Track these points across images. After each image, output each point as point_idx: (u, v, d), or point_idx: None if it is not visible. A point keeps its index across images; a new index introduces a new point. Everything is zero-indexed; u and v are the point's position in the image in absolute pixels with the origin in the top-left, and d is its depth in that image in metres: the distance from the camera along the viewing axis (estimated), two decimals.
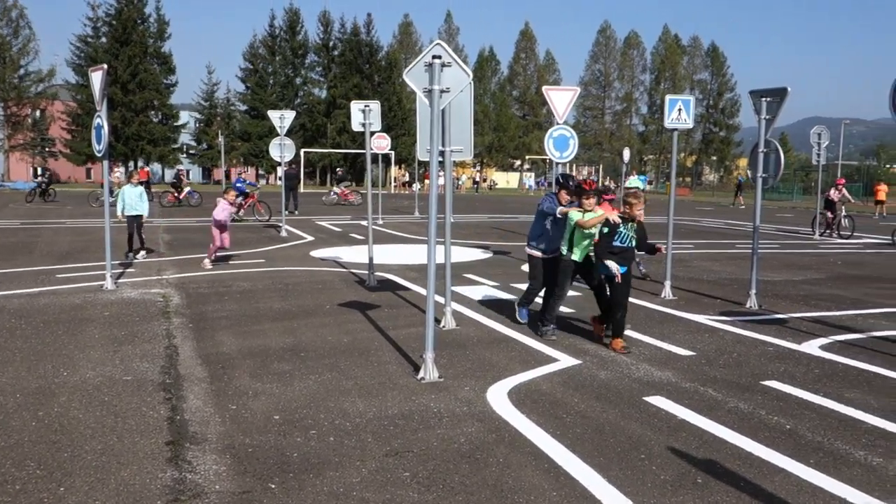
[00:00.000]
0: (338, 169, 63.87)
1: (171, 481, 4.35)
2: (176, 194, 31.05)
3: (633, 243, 7.77)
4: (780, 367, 7.15)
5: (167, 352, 7.37)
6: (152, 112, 65.94)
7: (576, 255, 8.16)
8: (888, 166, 69.71)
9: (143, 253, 14.57)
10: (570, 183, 8.32)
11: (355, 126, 11.58)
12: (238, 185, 23.51)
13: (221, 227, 13.70)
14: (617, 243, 7.64)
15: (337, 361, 7.08)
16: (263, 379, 6.47)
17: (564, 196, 8.30)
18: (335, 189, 35.90)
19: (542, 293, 8.75)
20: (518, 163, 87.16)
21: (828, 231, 23.01)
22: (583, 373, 6.87)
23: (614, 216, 7.66)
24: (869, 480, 4.53)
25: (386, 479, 4.42)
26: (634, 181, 13.86)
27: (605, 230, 7.70)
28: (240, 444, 4.96)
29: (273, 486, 4.31)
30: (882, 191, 37.29)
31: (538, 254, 8.58)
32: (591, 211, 7.95)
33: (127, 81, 62.27)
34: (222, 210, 13.79)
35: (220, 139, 23.59)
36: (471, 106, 8.59)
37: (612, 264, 7.53)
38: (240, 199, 21.63)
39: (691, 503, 4.18)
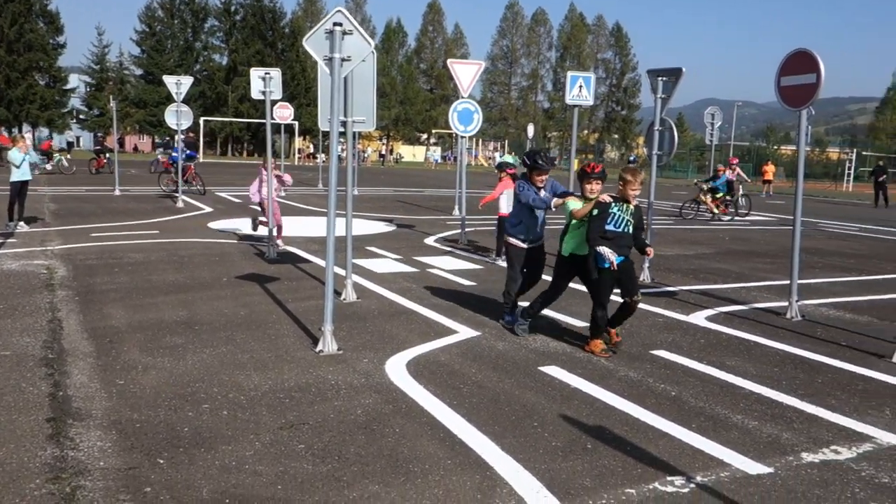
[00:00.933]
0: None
1: (52, 459, 4.17)
2: (103, 160, 30.64)
3: (630, 228, 6.66)
4: (669, 338, 7.44)
5: (50, 326, 7.04)
6: (38, 74, 62.29)
7: (564, 249, 7.04)
8: (776, 147, 73.17)
9: (22, 223, 13.84)
10: (541, 161, 7.21)
11: (255, 94, 11.27)
12: (175, 155, 22.16)
13: (261, 205, 12.81)
14: (610, 227, 6.56)
15: (233, 335, 6.93)
16: (154, 353, 6.27)
17: (538, 178, 7.25)
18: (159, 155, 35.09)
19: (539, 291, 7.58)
20: (425, 136, 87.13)
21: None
22: (481, 344, 6.96)
23: (604, 196, 6.63)
24: (744, 442, 4.78)
25: (280, 452, 4.37)
26: (507, 158, 13.84)
27: (595, 212, 6.61)
28: (127, 419, 4.80)
29: (161, 462, 4.19)
30: (769, 171, 39.15)
31: (519, 243, 7.53)
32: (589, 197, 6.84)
33: (13, 41, 58.57)
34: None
35: (113, 105, 22.46)
36: (374, 76, 8.48)
37: (605, 250, 6.45)
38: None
39: (581, 468, 4.31)
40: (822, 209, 28.18)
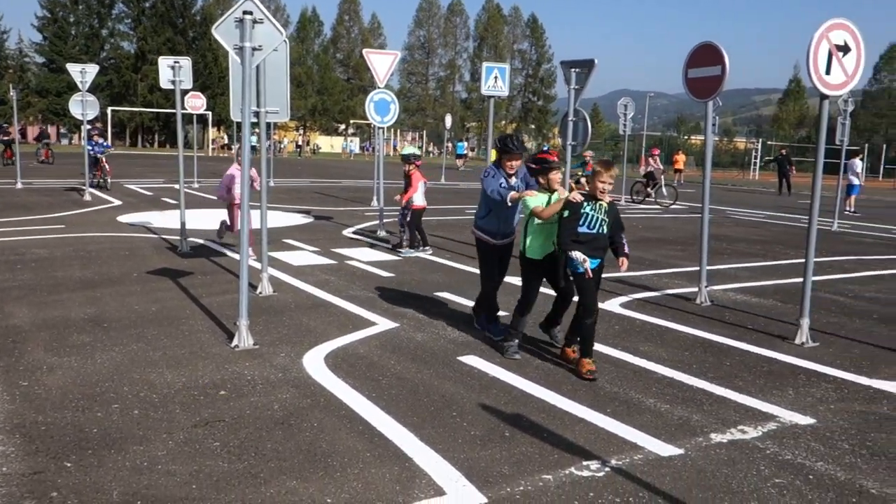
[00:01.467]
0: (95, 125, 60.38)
1: None
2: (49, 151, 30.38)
3: (605, 229, 5.99)
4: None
5: None
6: None
7: (531, 251, 6.27)
8: (687, 137, 75.47)
9: None
10: (512, 144, 6.52)
11: (164, 83, 10.92)
12: (92, 148, 21.02)
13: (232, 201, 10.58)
14: (584, 229, 5.89)
15: (144, 331, 6.72)
16: (60, 352, 6.02)
17: (508, 164, 6.57)
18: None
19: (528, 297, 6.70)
20: (343, 127, 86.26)
21: (648, 198, 24.03)
22: (400, 335, 6.95)
23: (575, 195, 5.92)
24: (657, 425, 4.93)
25: (194, 451, 4.27)
26: (409, 149, 13.82)
27: (566, 213, 5.91)
28: (31, 422, 4.60)
29: (69, 465, 4.03)
30: (680, 160, 40.34)
31: (487, 238, 6.79)
32: (554, 191, 6.19)
33: None
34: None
35: (13, 93, 21.41)
36: (287, 66, 8.33)
37: (577, 255, 5.81)
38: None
39: (499, 456, 4.36)
40: (729, 197, 29.26)
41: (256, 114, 7.99)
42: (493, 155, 6.64)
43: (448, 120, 34.07)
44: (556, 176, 6.23)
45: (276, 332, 6.85)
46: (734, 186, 38.77)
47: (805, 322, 7.15)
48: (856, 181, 23.67)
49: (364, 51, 13.28)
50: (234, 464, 4.13)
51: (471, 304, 8.19)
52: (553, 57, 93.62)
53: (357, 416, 4.89)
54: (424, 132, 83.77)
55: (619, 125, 25.42)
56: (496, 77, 10.68)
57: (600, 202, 5.94)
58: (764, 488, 4.08)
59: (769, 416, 5.19)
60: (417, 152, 12.22)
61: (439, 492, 3.90)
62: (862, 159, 28.47)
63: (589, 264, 5.84)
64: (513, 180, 6.61)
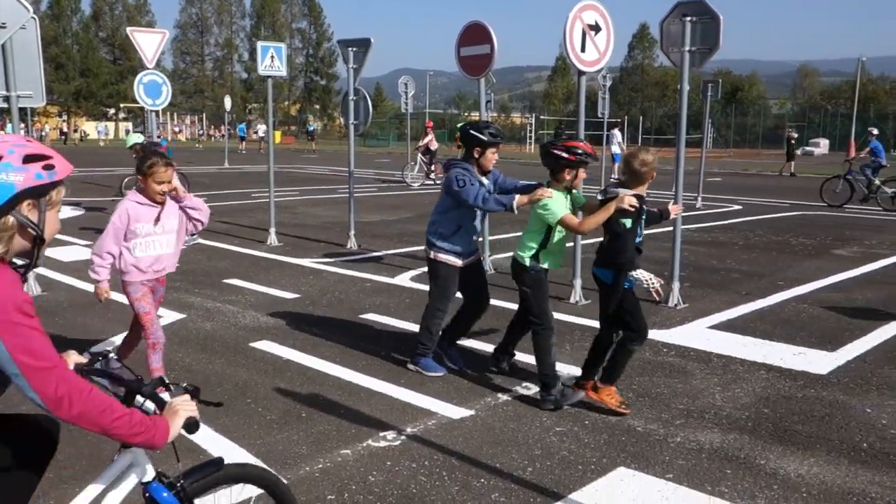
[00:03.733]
0: None
1: None
2: None
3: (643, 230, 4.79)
4: (377, 301, 7.73)
5: None
6: None
7: (549, 263, 4.94)
8: (467, 114, 78.23)
9: None
10: (497, 132, 5.37)
11: None
12: None
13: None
14: (638, 240, 4.69)
15: None
16: None
17: (491, 159, 5.32)
18: None
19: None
20: (113, 111, 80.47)
21: (425, 174, 24.52)
22: (187, 326, 6.70)
23: (631, 199, 4.44)
24: (448, 391, 5.15)
25: None
26: (134, 137, 13.16)
27: (627, 223, 4.57)
28: None
29: None
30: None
31: (454, 260, 5.45)
32: (573, 189, 4.95)
33: None
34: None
35: None
36: (38, 45, 7.63)
37: (645, 274, 4.66)
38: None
39: (296, 437, 4.36)
40: (509, 170, 30.72)
41: (6, 98, 7.28)
42: (458, 148, 5.46)
43: (228, 101, 32.94)
44: (583, 173, 4.89)
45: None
46: (513, 160, 40.78)
47: (577, 283, 7.74)
48: (617, 150, 25.78)
49: (128, 29, 12.46)
50: None
51: (262, 288, 8.04)
52: (333, 36, 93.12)
53: None
54: (204, 115, 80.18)
55: (401, 103, 25.87)
56: (273, 56, 10.45)
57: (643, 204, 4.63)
58: (546, 437, 4.41)
59: None
60: (140, 139, 11.81)
61: None
62: (622, 130, 30.99)
63: (657, 282, 4.74)
64: (485, 179, 5.37)
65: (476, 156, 5.28)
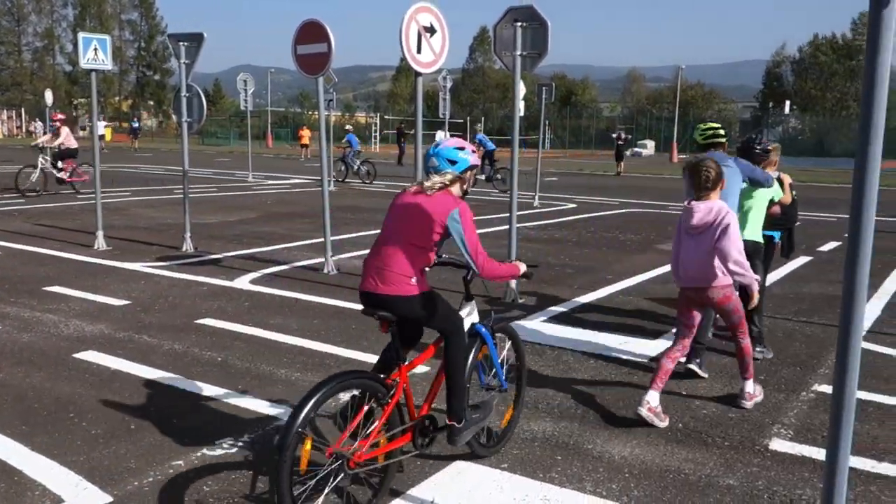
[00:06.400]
0: None
1: None
2: None
3: None
4: (214, 305, 7.47)
5: None
6: None
7: (754, 234, 5.99)
8: (311, 113, 77.08)
9: None
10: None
11: None
12: None
13: None
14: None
15: None
16: None
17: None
18: None
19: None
20: None
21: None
22: (1, 338, 6.19)
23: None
24: (290, 394, 5.05)
25: None
26: None
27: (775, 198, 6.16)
28: None
29: None
30: (305, 135, 41.24)
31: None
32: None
33: None
34: None
35: None
36: None
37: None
38: None
39: (124, 451, 4.14)
40: None
41: None
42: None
43: (49, 96, 30.61)
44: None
45: None
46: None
47: None
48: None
49: None
50: None
51: (88, 295, 7.58)
52: (167, 29, 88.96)
53: None
54: (23, 109, 74.22)
55: (240, 101, 25.15)
56: (96, 49, 9.83)
57: None
58: None
59: None
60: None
61: (56, 500, 3.59)
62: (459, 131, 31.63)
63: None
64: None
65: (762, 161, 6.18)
